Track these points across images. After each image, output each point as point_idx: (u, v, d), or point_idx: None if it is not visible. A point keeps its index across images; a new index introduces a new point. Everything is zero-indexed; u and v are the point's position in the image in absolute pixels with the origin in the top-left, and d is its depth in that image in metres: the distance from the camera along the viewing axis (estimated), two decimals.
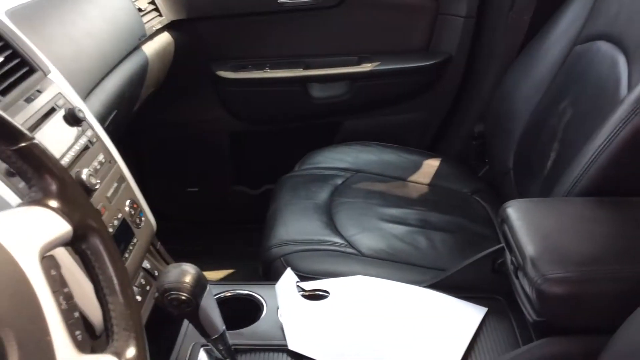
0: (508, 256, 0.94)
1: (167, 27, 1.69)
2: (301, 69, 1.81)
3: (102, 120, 1.12)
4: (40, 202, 0.57)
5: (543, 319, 0.85)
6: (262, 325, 1.05)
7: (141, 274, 1.08)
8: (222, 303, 1.07)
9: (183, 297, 0.81)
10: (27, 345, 0.46)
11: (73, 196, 0.59)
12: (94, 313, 0.77)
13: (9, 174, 0.77)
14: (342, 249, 1.23)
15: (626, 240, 0.88)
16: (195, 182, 2.05)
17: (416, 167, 1.60)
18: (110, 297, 0.60)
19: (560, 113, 1.19)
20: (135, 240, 1.01)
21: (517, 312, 0.99)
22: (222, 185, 2.04)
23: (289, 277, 1.14)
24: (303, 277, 1.15)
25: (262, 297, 1.11)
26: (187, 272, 0.82)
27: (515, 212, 0.93)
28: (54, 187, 0.58)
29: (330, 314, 1.06)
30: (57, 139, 0.90)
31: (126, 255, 0.97)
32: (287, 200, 1.41)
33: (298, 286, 1.12)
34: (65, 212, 0.58)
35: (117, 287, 0.60)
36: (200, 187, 2.05)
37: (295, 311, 1.06)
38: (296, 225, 1.30)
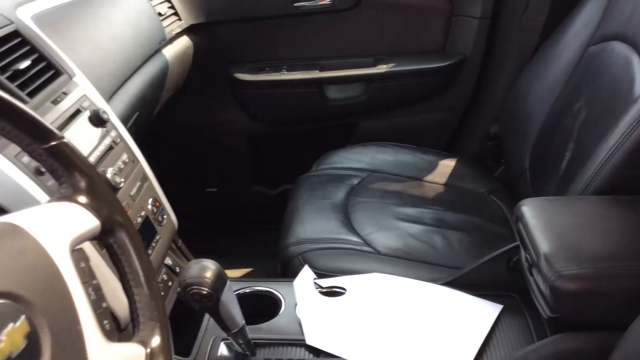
0: (523, 254, 0.95)
1: (186, 31, 1.72)
2: (317, 71, 1.83)
3: (124, 121, 1.15)
4: (70, 198, 0.60)
5: (557, 315, 0.86)
6: (280, 320, 1.08)
7: (163, 270, 1.11)
8: (242, 299, 1.09)
9: (204, 292, 0.83)
10: (59, 333, 0.49)
11: (101, 193, 0.62)
12: (119, 306, 0.79)
13: (38, 173, 0.79)
14: (359, 248, 1.24)
15: None
16: (214, 183, 2.07)
17: (432, 167, 1.61)
18: (136, 288, 0.62)
19: (574, 113, 1.19)
20: (157, 237, 1.03)
21: (533, 310, 1.00)
22: (240, 185, 2.07)
23: (306, 274, 1.16)
24: (320, 274, 1.17)
25: (280, 293, 1.13)
26: (208, 268, 0.85)
27: (529, 210, 0.94)
28: (83, 184, 0.61)
29: (347, 310, 1.07)
30: (83, 140, 0.93)
31: (149, 251, 0.99)
32: (304, 199, 1.43)
33: (315, 283, 1.14)
34: (93, 207, 0.60)
35: (142, 279, 0.63)
36: (219, 188, 2.08)
37: (313, 307, 1.08)
38: (313, 224, 1.32)
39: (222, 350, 1.02)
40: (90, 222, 0.60)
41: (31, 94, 0.90)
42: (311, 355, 1.00)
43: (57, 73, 0.99)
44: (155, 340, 0.61)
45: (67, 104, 0.96)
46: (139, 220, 0.99)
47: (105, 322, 0.59)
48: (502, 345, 1.01)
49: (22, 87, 0.89)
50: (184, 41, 1.69)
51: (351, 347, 0.99)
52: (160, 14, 1.57)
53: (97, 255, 0.82)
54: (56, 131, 0.60)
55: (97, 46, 1.20)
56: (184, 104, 1.80)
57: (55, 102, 0.94)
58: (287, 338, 1.03)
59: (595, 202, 0.96)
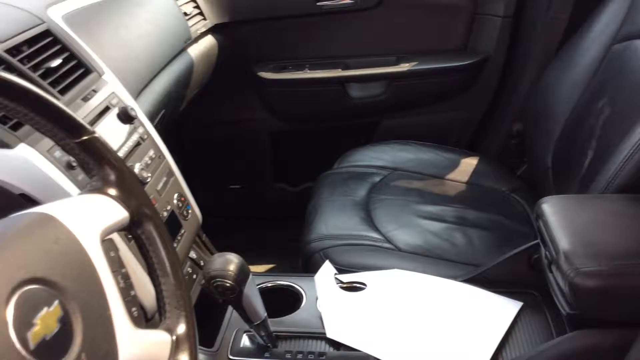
0: (543, 251, 0.95)
1: (211, 31, 1.75)
2: (340, 69, 1.84)
3: (151, 118, 1.18)
4: (101, 191, 0.62)
5: (576, 312, 0.86)
6: (301, 314, 1.09)
7: (188, 263, 1.14)
8: (264, 293, 1.10)
9: (228, 284, 0.85)
10: (90, 318, 0.51)
11: (130, 186, 0.65)
12: (146, 296, 0.82)
13: (69, 167, 0.82)
14: (379, 244, 1.26)
15: None
16: (237, 180, 2.10)
17: (454, 165, 1.61)
18: (162, 278, 0.65)
19: (598, 112, 1.19)
20: (182, 231, 1.06)
21: (552, 307, 1.00)
22: (263, 182, 2.09)
23: (327, 269, 1.18)
24: (341, 269, 1.19)
25: (301, 287, 1.15)
26: (231, 261, 0.87)
27: (550, 207, 0.94)
28: (112, 177, 0.63)
29: (367, 305, 1.09)
30: (111, 135, 0.95)
31: (174, 244, 1.02)
32: (326, 196, 1.45)
33: (336, 278, 1.15)
34: (123, 199, 0.63)
35: (168, 269, 0.65)
36: (242, 184, 2.11)
37: (334, 301, 1.10)
38: (335, 220, 1.34)
39: (245, 341, 1.04)
40: (120, 213, 0.62)
41: (62, 92, 0.93)
42: (331, 349, 1.01)
43: (87, 71, 1.03)
44: (181, 328, 0.63)
45: (96, 101, 0.99)
46: (165, 214, 1.02)
47: (134, 309, 0.61)
48: (522, 341, 1.02)
49: (53, 84, 0.92)
50: (209, 40, 1.72)
51: (371, 341, 1.01)
52: (185, 14, 1.60)
53: (125, 247, 0.84)
54: (88, 126, 0.63)
55: (125, 45, 1.23)
56: (208, 102, 1.83)
57: (86, 99, 0.97)
58: (308, 331, 1.05)
59: (616, 200, 0.96)
